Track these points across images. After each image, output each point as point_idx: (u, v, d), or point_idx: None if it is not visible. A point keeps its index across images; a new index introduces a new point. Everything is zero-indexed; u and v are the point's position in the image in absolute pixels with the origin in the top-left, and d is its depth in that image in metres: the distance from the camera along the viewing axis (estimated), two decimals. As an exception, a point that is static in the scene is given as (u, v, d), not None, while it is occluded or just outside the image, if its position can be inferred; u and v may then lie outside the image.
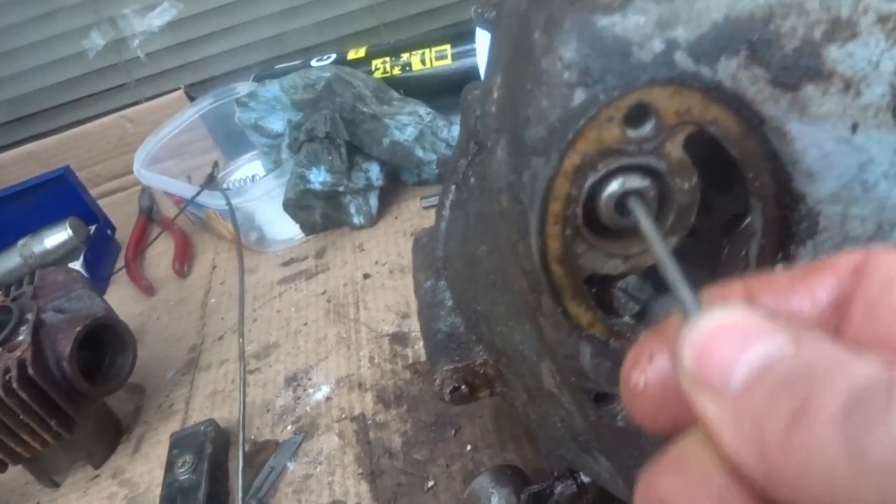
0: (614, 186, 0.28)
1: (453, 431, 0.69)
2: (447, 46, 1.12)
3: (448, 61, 1.11)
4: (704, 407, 0.17)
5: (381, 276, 0.93)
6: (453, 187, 0.55)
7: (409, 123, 1.00)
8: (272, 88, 1.06)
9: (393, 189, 1.07)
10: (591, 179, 0.28)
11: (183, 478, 0.68)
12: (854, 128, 0.28)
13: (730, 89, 0.27)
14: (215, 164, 1.26)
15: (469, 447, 0.67)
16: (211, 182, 1.22)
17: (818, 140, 0.28)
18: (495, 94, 0.33)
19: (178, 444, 0.72)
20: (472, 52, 1.10)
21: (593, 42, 0.27)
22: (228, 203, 0.93)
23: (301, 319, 0.91)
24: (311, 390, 0.80)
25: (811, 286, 0.19)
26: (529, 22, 0.29)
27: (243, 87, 1.20)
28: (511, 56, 0.31)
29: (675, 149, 0.28)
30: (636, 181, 0.28)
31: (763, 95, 0.27)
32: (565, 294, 0.30)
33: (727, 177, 0.32)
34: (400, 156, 1.01)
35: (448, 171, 0.57)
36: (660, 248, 0.26)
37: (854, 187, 0.29)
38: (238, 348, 0.78)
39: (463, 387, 0.48)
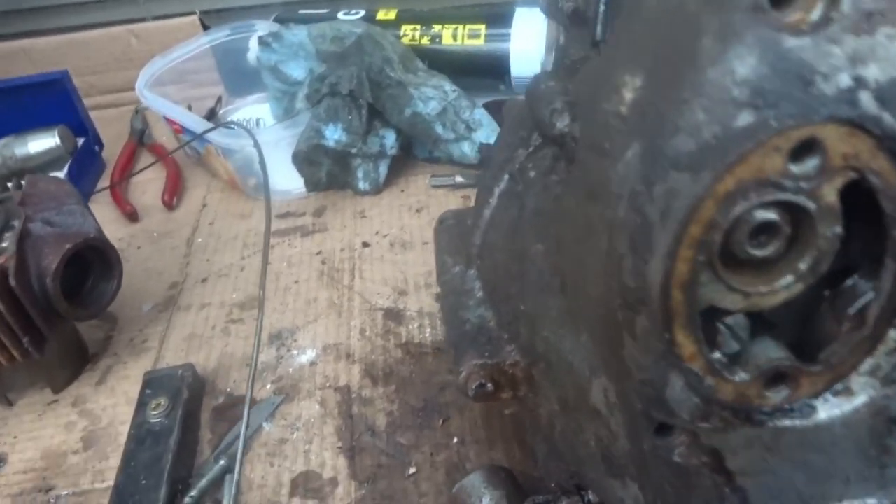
0: (756, 216, 0.26)
1: (441, 421, 0.67)
2: (482, 26, 1.08)
3: (480, 42, 1.08)
4: None
5: (380, 248, 0.90)
6: (506, 176, 0.53)
7: (433, 97, 0.97)
8: (299, 33, 1.01)
9: (403, 161, 1.04)
10: (741, 208, 0.26)
11: (154, 420, 0.65)
12: None
13: (905, 141, 0.26)
14: (219, 99, 1.21)
15: (456, 439, 0.66)
16: (212, 117, 1.17)
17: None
18: (629, 95, 0.30)
19: (153, 384, 0.69)
20: (506, 37, 1.06)
21: (775, 63, 0.25)
22: (257, 145, 0.88)
23: (292, 276, 0.87)
24: (295, 352, 0.77)
25: None
26: (699, 24, 0.27)
27: (263, 26, 1.15)
28: (662, 57, 0.29)
29: (830, 193, 0.26)
30: (773, 213, 0.27)
31: (937, 155, 0.26)
32: (676, 321, 0.28)
33: (846, 228, 0.31)
34: (420, 128, 0.98)
35: (502, 158, 0.54)
36: None
37: None
38: (258, 314, 0.75)
39: (489, 384, 0.46)
